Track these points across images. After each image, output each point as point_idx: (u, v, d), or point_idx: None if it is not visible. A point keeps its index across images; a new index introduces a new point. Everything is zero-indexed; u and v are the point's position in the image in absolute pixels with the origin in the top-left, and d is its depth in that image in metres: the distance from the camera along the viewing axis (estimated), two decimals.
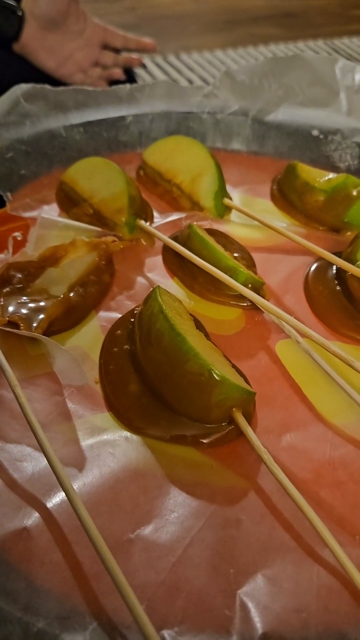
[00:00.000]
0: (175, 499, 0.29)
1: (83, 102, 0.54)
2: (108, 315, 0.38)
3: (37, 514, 0.28)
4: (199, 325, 0.37)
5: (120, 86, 0.56)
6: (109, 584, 0.24)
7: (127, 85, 0.56)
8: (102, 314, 0.39)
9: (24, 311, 0.36)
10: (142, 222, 0.44)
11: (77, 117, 0.54)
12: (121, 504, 0.28)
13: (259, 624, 0.25)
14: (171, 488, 0.29)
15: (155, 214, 0.48)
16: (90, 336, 0.37)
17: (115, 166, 0.45)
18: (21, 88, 0.51)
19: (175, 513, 0.28)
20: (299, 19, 1.38)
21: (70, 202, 0.47)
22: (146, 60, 0.79)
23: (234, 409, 0.31)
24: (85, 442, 0.31)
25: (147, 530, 0.27)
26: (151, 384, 0.33)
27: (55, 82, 0.67)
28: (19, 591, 0.25)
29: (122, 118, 0.55)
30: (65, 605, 0.25)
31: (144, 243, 0.44)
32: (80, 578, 0.26)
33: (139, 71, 0.75)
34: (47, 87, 0.53)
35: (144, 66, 0.73)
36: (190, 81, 0.78)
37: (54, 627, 0.24)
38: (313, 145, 0.55)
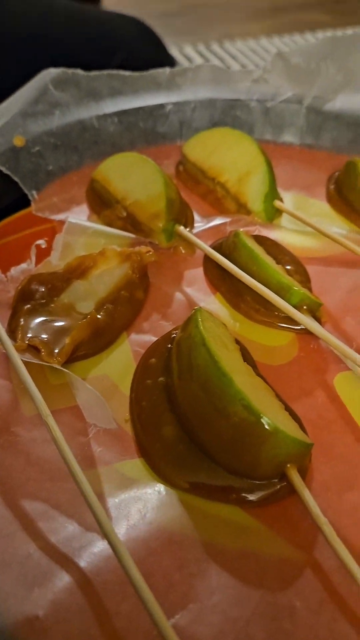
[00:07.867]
0: (217, 577, 0.24)
1: (118, 89, 0.49)
2: (141, 339, 0.33)
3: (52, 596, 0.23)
4: (246, 356, 0.31)
5: (160, 70, 0.50)
6: None
7: (167, 69, 0.51)
8: (134, 336, 0.33)
9: (44, 335, 0.32)
10: (182, 229, 0.39)
11: (112, 106, 0.48)
12: (153, 583, 0.23)
13: None
14: (211, 562, 0.24)
15: (196, 216, 0.42)
16: (120, 363, 0.32)
17: (153, 164, 0.40)
18: (50, 73, 0.46)
19: (216, 596, 0.23)
20: (349, 5, 1.31)
21: (101, 203, 0.42)
22: (188, 49, 0.73)
23: (288, 465, 0.26)
24: (112, 497, 0.26)
25: (183, 620, 0.22)
26: (190, 428, 0.27)
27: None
28: None
29: (161, 106, 0.49)
30: None
31: (183, 252, 0.39)
32: None
33: (179, 59, 0.69)
34: (80, 72, 0.47)
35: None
36: None
37: None
38: None
